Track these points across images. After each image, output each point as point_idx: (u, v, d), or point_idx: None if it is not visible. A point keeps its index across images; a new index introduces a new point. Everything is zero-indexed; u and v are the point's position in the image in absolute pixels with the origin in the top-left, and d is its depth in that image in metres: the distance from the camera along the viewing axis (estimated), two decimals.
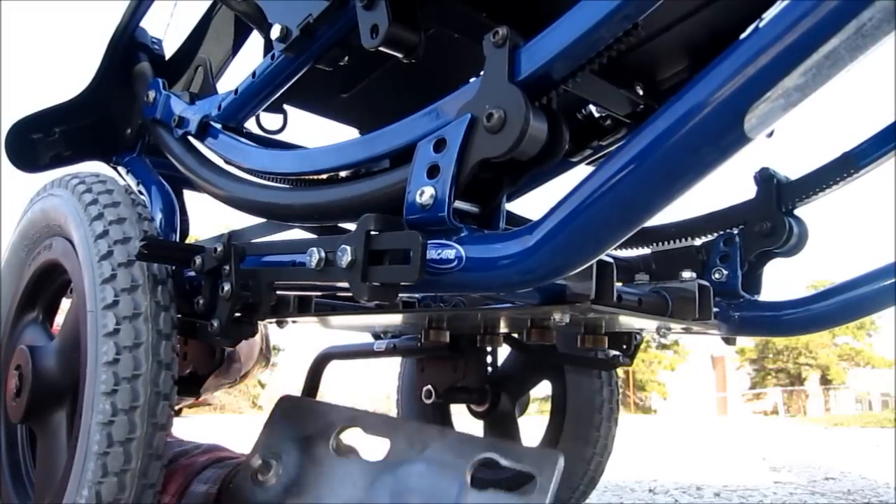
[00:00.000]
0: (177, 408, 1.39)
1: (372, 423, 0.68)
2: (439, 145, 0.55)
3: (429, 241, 0.53)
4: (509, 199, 0.95)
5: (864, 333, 26.04)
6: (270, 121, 0.96)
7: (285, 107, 0.97)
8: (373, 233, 0.56)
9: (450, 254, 0.53)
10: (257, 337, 1.44)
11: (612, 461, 1.19)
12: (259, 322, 1.44)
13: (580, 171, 0.98)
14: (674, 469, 3.40)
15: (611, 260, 0.58)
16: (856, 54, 0.34)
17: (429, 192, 0.54)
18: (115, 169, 1.06)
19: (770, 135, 0.81)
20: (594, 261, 0.55)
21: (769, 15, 0.36)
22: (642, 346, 1.02)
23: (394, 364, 1.49)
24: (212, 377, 1.32)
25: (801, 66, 0.36)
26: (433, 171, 0.55)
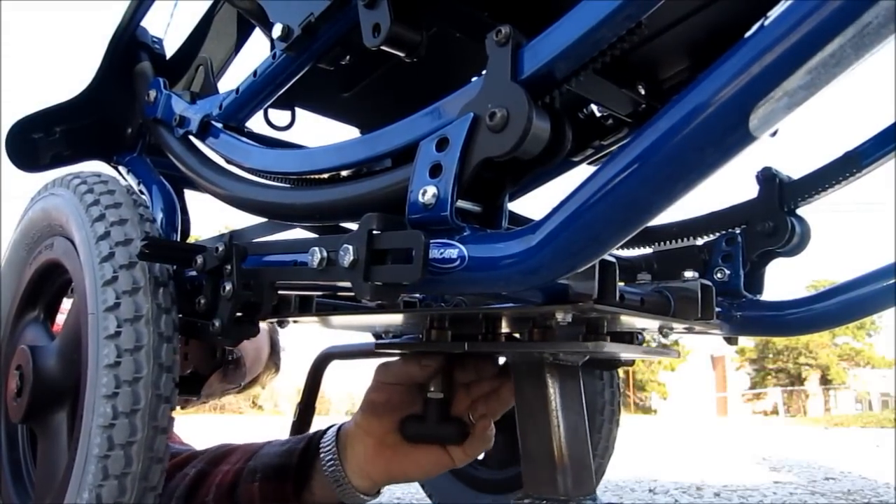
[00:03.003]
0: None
1: None
2: (441, 144, 0.55)
3: (431, 241, 0.53)
4: (512, 199, 0.95)
5: (865, 333, 26.07)
6: (279, 118, 0.96)
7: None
8: (375, 232, 0.55)
9: (452, 253, 0.52)
10: (265, 343, 1.45)
11: (612, 461, 1.19)
12: (269, 329, 1.45)
13: (581, 171, 0.98)
14: (674, 469, 3.41)
15: (613, 259, 0.58)
16: (862, 52, 0.34)
17: (431, 191, 0.54)
18: (116, 168, 1.06)
19: (774, 134, 0.80)
20: (597, 260, 0.55)
21: (774, 13, 0.36)
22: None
23: None
24: (218, 382, 1.33)
25: (806, 65, 0.35)
26: (435, 171, 0.54)
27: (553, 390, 0.67)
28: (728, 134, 0.39)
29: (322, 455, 0.84)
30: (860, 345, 25.88)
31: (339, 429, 0.86)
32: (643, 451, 4.53)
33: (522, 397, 0.69)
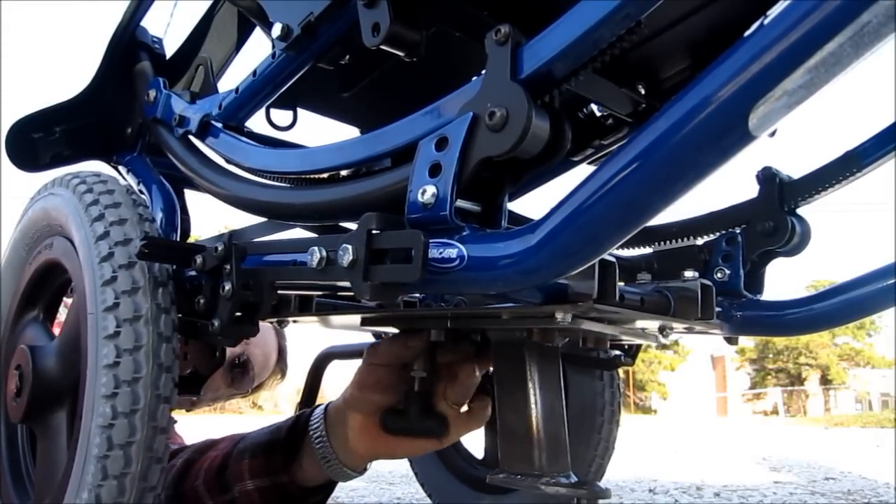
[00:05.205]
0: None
1: None
2: (441, 144, 0.55)
3: (430, 240, 0.53)
4: (511, 199, 0.95)
5: (864, 333, 26.06)
6: (280, 118, 0.96)
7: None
8: (374, 232, 0.55)
9: (451, 253, 0.52)
10: (273, 349, 1.46)
11: (612, 461, 1.19)
12: (276, 335, 1.46)
13: (581, 171, 0.98)
14: (674, 469, 3.41)
15: (613, 259, 0.58)
16: (862, 51, 0.34)
17: (430, 190, 0.54)
18: (116, 168, 1.06)
19: (773, 134, 0.80)
20: (596, 260, 0.54)
21: (774, 12, 0.36)
22: (643, 346, 1.02)
23: None
24: (225, 387, 1.33)
25: (806, 64, 0.35)
26: (435, 170, 0.54)
27: (532, 370, 0.69)
28: (727, 133, 0.39)
29: (311, 432, 0.86)
30: (860, 345, 25.86)
31: (326, 406, 0.88)
32: (643, 451, 4.53)
33: (502, 375, 0.71)
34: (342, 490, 2.34)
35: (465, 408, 0.81)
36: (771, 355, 26.13)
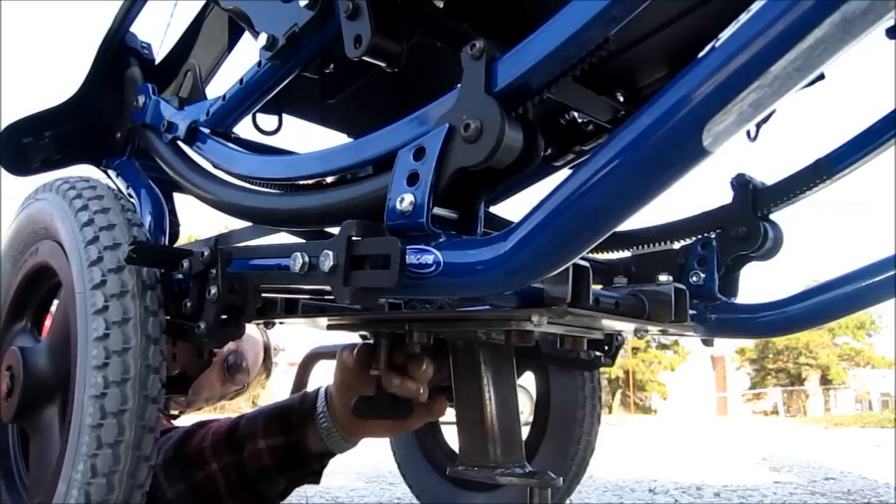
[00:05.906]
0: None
1: None
2: (419, 153, 0.56)
3: (408, 247, 0.54)
4: (488, 206, 0.96)
5: (864, 333, 25.95)
6: (267, 123, 0.98)
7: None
8: (354, 238, 0.57)
9: (428, 259, 0.54)
10: (261, 347, 1.48)
11: (612, 461, 1.19)
12: (263, 334, 1.47)
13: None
14: (674, 469, 3.40)
15: (587, 264, 0.60)
16: (805, 74, 0.35)
17: (408, 198, 0.56)
18: (106, 172, 1.07)
19: (754, 139, 0.82)
20: (570, 264, 0.56)
21: (725, 35, 0.38)
22: (642, 347, 1.04)
23: None
24: (220, 385, 1.36)
25: (754, 83, 0.37)
26: (413, 179, 0.56)
27: (485, 367, 0.73)
28: (683, 148, 0.41)
29: (317, 408, 0.93)
30: (860, 345, 25.80)
31: (326, 391, 0.95)
32: (643, 451, 4.54)
33: (458, 373, 0.75)
34: (342, 490, 2.35)
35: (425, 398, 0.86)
36: (771, 355, 26.06)
